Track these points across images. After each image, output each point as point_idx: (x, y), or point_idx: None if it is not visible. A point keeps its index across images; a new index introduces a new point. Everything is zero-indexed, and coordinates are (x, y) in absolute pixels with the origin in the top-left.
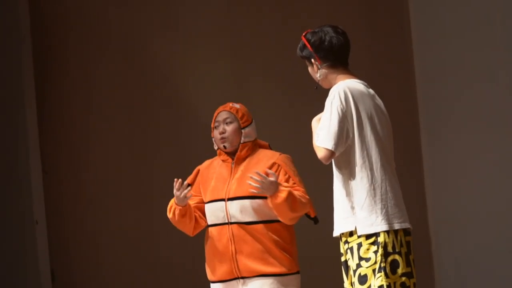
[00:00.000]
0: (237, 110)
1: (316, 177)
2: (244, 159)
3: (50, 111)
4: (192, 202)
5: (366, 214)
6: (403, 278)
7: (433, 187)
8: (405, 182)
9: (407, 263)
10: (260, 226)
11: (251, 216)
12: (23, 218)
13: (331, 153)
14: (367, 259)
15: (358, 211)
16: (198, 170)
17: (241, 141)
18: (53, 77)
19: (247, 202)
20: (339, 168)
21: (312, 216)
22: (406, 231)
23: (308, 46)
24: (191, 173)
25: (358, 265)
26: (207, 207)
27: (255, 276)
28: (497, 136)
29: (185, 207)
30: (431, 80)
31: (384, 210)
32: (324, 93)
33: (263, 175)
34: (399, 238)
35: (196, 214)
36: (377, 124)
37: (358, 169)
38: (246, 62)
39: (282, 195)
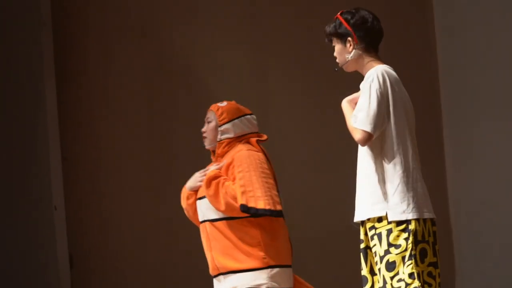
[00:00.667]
0: (218, 108)
1: (331, 164)
2: (222, 156)
3: (70, 98)
4: None
5: (398, 201)
6: (430, 268)
7: (454, 178)
8: (426, 172)
9: (434, 253)
10: (223, 222)
11: (215, 213)
12: (42, 203)
13: (370, 136)
14: (397, 246)
15: (390, 197)
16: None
17: (217, 139)
18: (73, 65)
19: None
20: (372, 152)
21: (247, 205)
22: (432, 221)
23: (346, 24)
24: (209, 161)
25: (387, 252)
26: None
27: (228, 272)
28: None
29: (193, 193)
30: (453, 68)
31: (415, 198)
32: (342, 81)
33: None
34: (427, 227)
35: None
36: (408, 112)
37: (392, 155)
38: (266, 49)
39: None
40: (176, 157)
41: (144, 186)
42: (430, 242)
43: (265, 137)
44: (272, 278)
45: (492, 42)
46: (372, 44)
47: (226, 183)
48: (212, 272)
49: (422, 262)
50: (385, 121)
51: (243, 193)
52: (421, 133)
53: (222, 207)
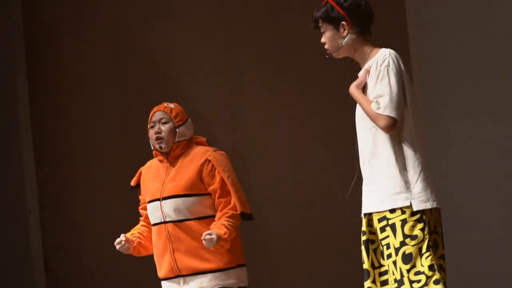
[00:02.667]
0: (171, 110)
1: (312, 159)
2: (178, 157)
3: (43, 100)
4: (141, 209)
5: (421, 189)
6: (440, 260)
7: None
8: None
9: (443, 245)
10: (193, 223)
11: (184, 214)
12: (16, 208)
13: (395, 122)
14: (413, 237)
15: (413, 185)
16: (141, 172)
17: (175, 140)
18: (46, 67)
19: (179, 200)
20: (391, 140)
21: (246, 212)
22: (439, 212)
23: (339, 8)
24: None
25: (403, 243)
26: (148, 207)
27: (194, 274)
28: (496, 123)
29: (136, 248)
30: (427, 68)
31: (433, 187)
32: (318, 80)
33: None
34: (437, 217)
35: (145, 240)
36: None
37: (411, 141)
38: (241, 52)
39: (225, 244)
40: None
41: (119, 188)
42: (440, 233)
43: (205, 138)
44: (240, 277)
45: (467, 35)
46: (366, 27)
47: (226, 223)
48: (167, 274)
49: (435, 254)
50: (405, 105)
51: (239, 199)
52: None
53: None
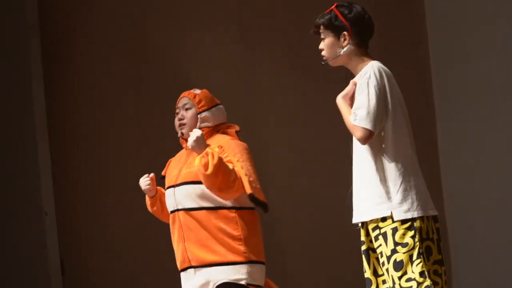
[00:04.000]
0: (195, 96)
1: (325, 160)
2: None
3: (59, 101)
4: None
5: (401, 200)
6: (436, 266)
7: (448, 174)
8: (420, 167)
9: (438, 250)
10: (203, 212)
11: (194, 202)
12: (32, 209)
13: (371, 134)
14: (404, 244)
15: (393, 196)
16: (170, 162)
17: (197, 127)
18: (61, 67)
19: (191, 187)
20: (372, 151)
21: (257, 197)
22: (435, 218)
23: (342, 18)
24: None
25: (394, 251)
26: (165, 194)
27: (202, 266)
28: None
29: (155, 198)
30: (446, 64)
31: (419, 196)
32: (330, 75)
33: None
34: (430, 224)
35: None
36: (403, 106)
37: (392, 152)
38: (256, 52)
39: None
40: (165, 161)
41: (136, 189)
42: (435, 240)
43: (238, 127)
44: (251, 273)
45: (485, 37)
46: (365, 40)
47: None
48: (181, 265)
49: (428, 260)
50: (384, 117)
51: (250, 182)
52: (414, 129)
53: (222, 179)
